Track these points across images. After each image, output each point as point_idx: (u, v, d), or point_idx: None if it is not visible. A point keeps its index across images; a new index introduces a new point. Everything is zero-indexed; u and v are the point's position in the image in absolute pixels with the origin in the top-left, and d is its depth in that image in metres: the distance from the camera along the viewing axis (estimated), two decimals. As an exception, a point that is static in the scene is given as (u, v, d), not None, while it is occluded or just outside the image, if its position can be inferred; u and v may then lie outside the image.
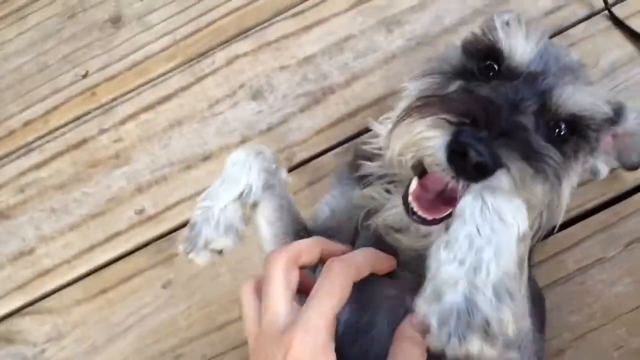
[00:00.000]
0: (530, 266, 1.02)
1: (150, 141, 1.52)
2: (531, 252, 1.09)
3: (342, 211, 1.10)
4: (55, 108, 1.59)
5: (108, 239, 1.46)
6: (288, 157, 1.45)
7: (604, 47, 1.40)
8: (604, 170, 1.09)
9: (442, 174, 0.79)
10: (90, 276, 1.45)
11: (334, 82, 1.49)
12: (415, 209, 0.84)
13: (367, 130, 1.24)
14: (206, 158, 1.49)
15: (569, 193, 0.93)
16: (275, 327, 0.75)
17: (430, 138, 0.79)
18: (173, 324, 1.39)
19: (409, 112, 0.85)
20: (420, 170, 0.85)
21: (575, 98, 0.89)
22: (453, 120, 0.78)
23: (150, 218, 1.46)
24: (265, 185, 1.02)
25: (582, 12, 1.43)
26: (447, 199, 0.83)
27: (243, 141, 1.48)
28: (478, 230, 0.67)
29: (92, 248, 1.46)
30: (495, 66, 0.95)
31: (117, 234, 1.46)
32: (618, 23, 1.40)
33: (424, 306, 0.65)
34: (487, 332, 0.61)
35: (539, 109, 0.87)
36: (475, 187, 0.73)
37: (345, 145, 1.44)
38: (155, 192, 1.48)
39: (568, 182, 0.91)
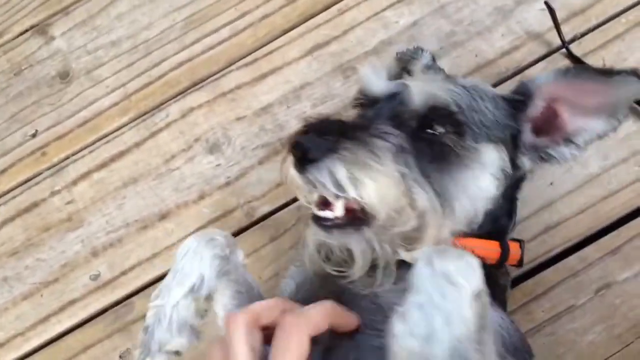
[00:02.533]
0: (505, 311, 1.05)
1: (104, 201, 1.50)
2: (505, 300, 1.10)
3: (308, 282, 1.05)
4: (4, 171, 1.57)
5: (63, 308, 1.44)
6: (249, 213, 1.44)
7: (563, 86, 1.41)
8: (563, 154, 1.03)
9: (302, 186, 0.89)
10: (46, 348, 1.42)
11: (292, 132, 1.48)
12: (316, 212, 0.90)
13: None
14: (163, 217, 1.47)
15: (480, 186, 0.98)
16: None
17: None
18: (132, 399, 1.36)
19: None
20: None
21: (421, 90, 0.96)
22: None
23: (106, 283, 1.44)
24: (219, 273, 1.00)
25: (540, 51, 1.44)
26: None
27: (201, 197, 1.47)
28: (430, 299, 0.67)
29: (46, 318, 1.44)
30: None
31: (72, 302, 1.44)
32: (576, 61, 1.41)
33: None
34: None
35: (392, 116, 0.95)
36: (426, 251, 0.74)
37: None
38: (111, 255, 1.46)
39: (465, 170, 0.95)
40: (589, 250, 1.29)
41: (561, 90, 1.01)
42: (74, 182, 1.53)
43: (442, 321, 0.65)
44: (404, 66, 1.33)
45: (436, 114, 0.95)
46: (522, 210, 1.28)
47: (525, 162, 1.04)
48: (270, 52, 1.56)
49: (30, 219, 1.52)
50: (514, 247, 1.06)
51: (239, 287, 1.03)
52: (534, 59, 1.44)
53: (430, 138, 0.94)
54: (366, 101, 1.05)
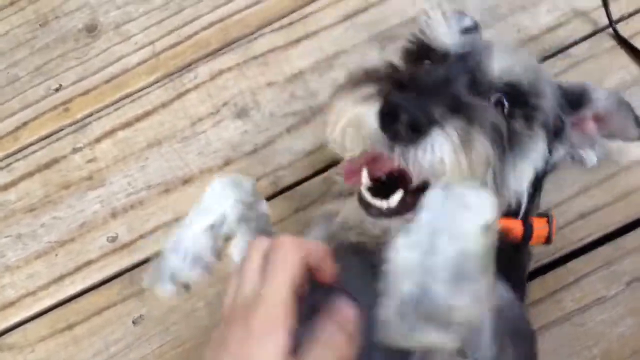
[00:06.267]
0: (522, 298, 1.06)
1: (126, 162, 1.53)
2: (524, 280, 1.11)
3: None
4: (25, 124, 1.59)
5: (78, 269, 1.46)
6: (274, 182, 1.46)
7: (608, 67, 1.42)
8: (591, 158, 1.08)
9: (380, 147, 0.79)
10: (57, 309, 1.44)
11: (324, 101, 1.48)
12: (368, 198, 0.84)
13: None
14: (186, 181, 1.49)
15: (528, 174, 0.95)
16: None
17: (361, 111, 0.81)
18: (144, 364, 1.39)
19: (337, 93, 0.90)
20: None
21: (502, 64, 0.90)
22: (381, 88, 0.81)
23: (124, 246, 1.46)
24: (240, 218, 1.02)
25: (585, 29, 1.45)
26: (400, 181, 0.83)
27: (226, 163, 1.48)
28: (439, 216, 0.67)
29: (60, 278, 1.46)
30: (428, 61, 0.99)
31: (88, 263, 1.46)
32: (623, 42, 1.41)
33: (384, 299, 0.64)
34: (438, 319, 0.60)
35: (470, 83, 0.87)
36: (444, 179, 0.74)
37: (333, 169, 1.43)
38: (131, 217, 1.48)
39: (524, 158, 0.92)
40: (625, 240, 1.30)
41: (608, 112, 1.05)
42: (97, 140, 1.55)
43: (448, 236, 0.64)
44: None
45: (511, 92, 0.91)
46: (556, 194, 1.30)
47: (561, 153, 1.05)
48: (306, 16, 1.57)
49: (50, 175, 1.54)
50: (539, 223, 1.04)
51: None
52: (579, 38, 1.45)
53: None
54: (426, 53, 0.99)
